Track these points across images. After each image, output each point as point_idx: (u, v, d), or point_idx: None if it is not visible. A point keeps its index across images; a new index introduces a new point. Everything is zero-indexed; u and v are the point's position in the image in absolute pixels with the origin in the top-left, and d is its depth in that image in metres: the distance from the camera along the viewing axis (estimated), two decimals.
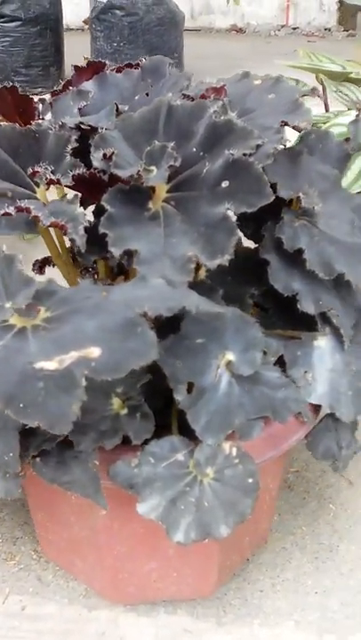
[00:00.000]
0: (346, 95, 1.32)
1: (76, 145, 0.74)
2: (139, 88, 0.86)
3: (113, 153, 0.69)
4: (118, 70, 0.90)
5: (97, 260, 0.84)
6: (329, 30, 4.94)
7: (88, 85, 0.87)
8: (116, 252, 0.68)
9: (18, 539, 1.08)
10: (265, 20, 4.68)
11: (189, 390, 0.72)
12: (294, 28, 4.85)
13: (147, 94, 0.85)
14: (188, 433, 0.75)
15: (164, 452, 0.73)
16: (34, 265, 0.98)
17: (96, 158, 0.71)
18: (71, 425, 0.58)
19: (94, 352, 0.59)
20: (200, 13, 4.63)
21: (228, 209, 0.69)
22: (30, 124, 0.81)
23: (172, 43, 3.16)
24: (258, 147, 0.71)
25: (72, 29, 4.82)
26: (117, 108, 0.77)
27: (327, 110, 1.36)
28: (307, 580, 1.03)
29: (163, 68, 0.86)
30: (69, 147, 0.74)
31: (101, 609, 0.98)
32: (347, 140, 0.92)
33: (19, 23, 2.89)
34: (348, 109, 1.30)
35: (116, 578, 0.90)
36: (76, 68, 0.88)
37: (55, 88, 0.87)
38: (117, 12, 3.13)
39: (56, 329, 0.62)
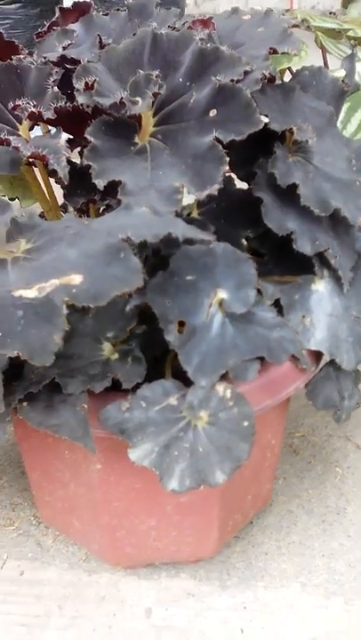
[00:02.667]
0: (344, 52, 1.28)
1: (57, 77, 0.71)
2: (126, 29, 0.83)
3: (95, 81, 0.66)
4: (106, 14, 0.87)
5: (88, 205, 0.81)
6: (333, 14, 4.89)
7: (74, 27, 0.84)
8: (100, 183, 0.65)
9: (17, 505, 1.06)
10: (269, 4, 4.63)
11: (180, 331, 0.69)
12: None
13: (134, 34, 0.82)
14: (182, 381, 0.72)
15: (156, 396, 0.70)
16: None
17: (79, 90, 0.68)
18: (53, 356, 0.55)
19: (75, 279, 0.56)
20: (203, 0, 4.60)
21: (216, 138, 0.66)
22: None
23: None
24: (246, 74, 0.68)
25: None
26: (101, 40, 0.74)
27: (326, 66, 1.33)
28: (313, 543, 1.00)
29: (150, 8, 0.83)
30: (51, 80, 0.71)
31: (101, 573, 0.95)
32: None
33: (19, 5, 2.84)
34: None
35: (114, 537, 0.87)
36: (61, 9, 0.85)
37: (40, 30, 0.84)
38: None
39: (36, 259, 0.60)
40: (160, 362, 0.77)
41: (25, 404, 0.68)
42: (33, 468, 0.91)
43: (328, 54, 1.39)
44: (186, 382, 0.71)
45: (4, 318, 0.55)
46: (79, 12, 0.85)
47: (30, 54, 0.88)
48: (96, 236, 0.59)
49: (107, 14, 0.87)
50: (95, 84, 0.66)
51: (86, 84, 0.67)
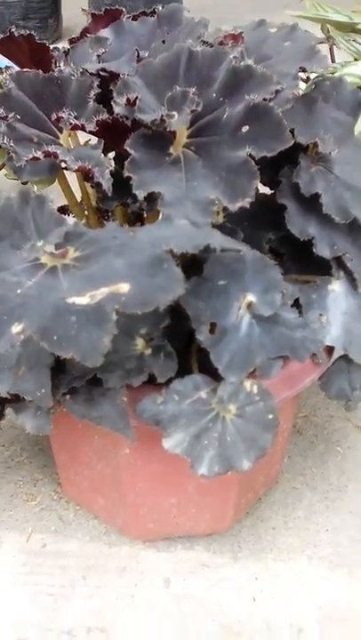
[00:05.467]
0: (353, 46, 1.32)
1: (98, 91, 0.76)
2: (155, 36, 0.87)
3: (137, 98, 0.71)
4: (134, 18, 0.90)
5: (115, 206, 0.86)
6: None
7: (104, 33, 0.88)
8: (140, 194, 0.70)
9: (38, 480, 1.12)
10: None
11: (212, 331, 0.75)
12: None
13: (163, 42, 0.86)
14: (206, 373, 0.78)
15: (188, 390, 0.76)
16: None
17: (119, 104, 0.72)
18: (102, 358, 0.61)
19: (124, 287, 0.61)
20: None
21: (249, 153, 0.71)
22: (48, 71, 0.82)
23: None
24: (277, 92, 0.73)
25: None
26: (139, 54, 0.78)
27: (333, 61, 1.36)
28: (318, 519, 1.08)
29: (179, 16, 0.87)
30: (92, 93, 0.75)
31: (121, 546, 1.02)
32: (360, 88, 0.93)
33: None
34: (355, 60, 1.31)
35: (138, 514, 0.94)
36: (93, 15, 0.89)
37: (73, 36, 0.88)
38: None
39: (85, 267, 0.65)
40: (181, 354, 0.83)
41: (68, 397, 0.74)
42: (61, 450, 0.97)
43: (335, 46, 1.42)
44: (212, 375, 0.77)
45: (60, 324, 0.61)
46: (110, 17, 0.89)
47: (56, 49, 0.91)
48: (141, 247, 0.65)
49: (135, 19, 0.90)
50: (137, 101, 0.70)
51: (128, 99, 0.71)
